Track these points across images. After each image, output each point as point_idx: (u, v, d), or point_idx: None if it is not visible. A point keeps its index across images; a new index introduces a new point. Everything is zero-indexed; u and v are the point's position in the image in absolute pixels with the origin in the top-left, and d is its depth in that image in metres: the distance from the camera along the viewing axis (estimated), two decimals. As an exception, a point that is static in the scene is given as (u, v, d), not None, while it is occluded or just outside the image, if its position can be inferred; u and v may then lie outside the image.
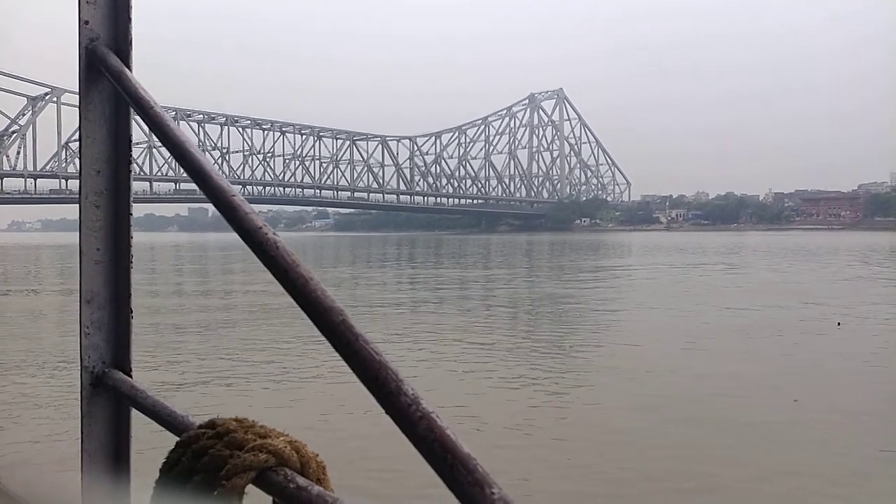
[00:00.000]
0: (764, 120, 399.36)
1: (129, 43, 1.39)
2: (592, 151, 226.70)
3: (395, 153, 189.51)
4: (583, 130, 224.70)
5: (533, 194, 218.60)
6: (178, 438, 1.03)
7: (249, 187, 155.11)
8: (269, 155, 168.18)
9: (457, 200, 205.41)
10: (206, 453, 0.96)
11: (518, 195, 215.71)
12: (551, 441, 9.50)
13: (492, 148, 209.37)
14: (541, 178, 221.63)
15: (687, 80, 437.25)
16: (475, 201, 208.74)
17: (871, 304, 24.65)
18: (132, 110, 1.35)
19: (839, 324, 19.64)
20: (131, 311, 1.42)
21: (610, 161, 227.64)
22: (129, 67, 1.34)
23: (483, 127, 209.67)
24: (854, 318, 21.13)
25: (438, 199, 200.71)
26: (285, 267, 0.94)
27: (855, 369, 13.97)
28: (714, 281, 36.64)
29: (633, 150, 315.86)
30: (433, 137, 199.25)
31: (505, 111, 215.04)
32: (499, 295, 31.89)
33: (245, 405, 11.06)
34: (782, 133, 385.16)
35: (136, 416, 1.37)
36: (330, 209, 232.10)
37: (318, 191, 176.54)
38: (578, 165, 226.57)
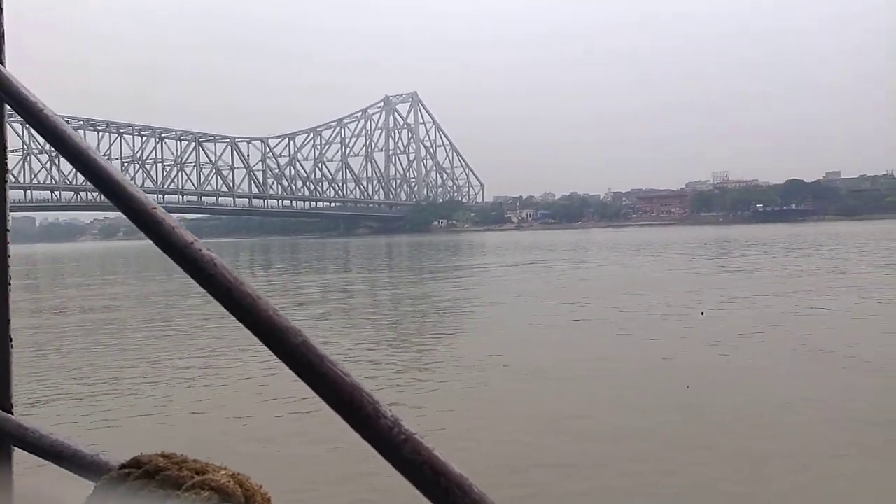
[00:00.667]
0: (602, 121, 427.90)
1: (1, 36, 1.18)
2: (447, 154, 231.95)
3: (247, 155, 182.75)
4: (437, 134, 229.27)
5: (391, 196, 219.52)
6: (93, 483, 0.90)
7: (82, 193, 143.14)
8: (105, 158, 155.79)
9: (313, 203, 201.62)
10: (137, 496, 0.86)
11: (376, 197, 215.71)
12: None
13: (348, 150, 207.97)
14: (398, 181, 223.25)
15: (533, 101, 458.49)
16: (332, 204, 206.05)
17: (709, 291, 26.85)
18: (4, 112, 1.19)
19: (702, 313, 21.01)
20: (10, 339, 1.21)
21: (464, 164, 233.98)
22: (1, 63, 1.17)
23: (338, 129, 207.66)
24: (681, 306, 22.89)
25: (294, 202, 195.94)
26: (227, 286, 0.84)
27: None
28: (564, 276, 38.44)
29: (485, 155, 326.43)
30: (286, 139, 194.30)
31: (360, 113, 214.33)
32: (359, 299, 31.46)
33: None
34: (618, 133, 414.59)
35: (23, 461, 1.16)
36: (175, 215, 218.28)
37: (161, 195, 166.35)
38: (434, 168, 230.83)
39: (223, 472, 0.89)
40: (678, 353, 15.18)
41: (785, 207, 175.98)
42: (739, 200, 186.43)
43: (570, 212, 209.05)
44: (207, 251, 0.89)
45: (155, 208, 0.93)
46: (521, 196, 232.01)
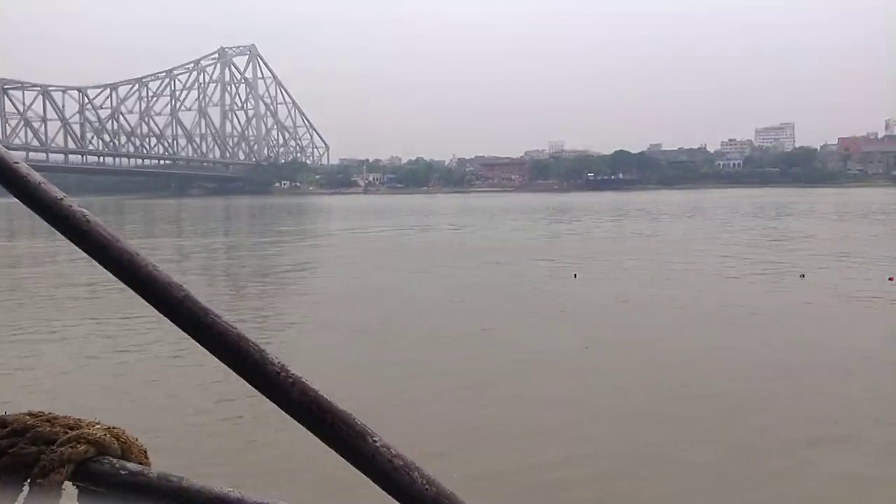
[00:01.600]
0: (452, 88, 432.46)
1: None
2: (290, 113, 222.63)
3: (62, 106, 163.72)
4: (279, 90, 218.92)
5: (228, 155, 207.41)
6: None
7: None
8: None
9: (139, 161, 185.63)
10: (5, 454, 0.83)
11: (211, 156, 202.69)
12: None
13: (179, 104, 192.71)
14: (236, 139, 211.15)
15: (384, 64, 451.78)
16: (162, 162, 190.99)
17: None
18: None
19: (575, 275, 22.43)
20: None
21: (308, 124, 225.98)
22: None
23: (168, 80, 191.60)
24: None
25: (117, 159, 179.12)
26: (103, 243, 0.82)
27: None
28: (411, 241, 37.80)
29: (330, 115, 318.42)
30: (108, 89, 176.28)
31: (192, 64, 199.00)
32: (193, 266, 28.68)
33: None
34: (462, 100, 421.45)
35: None
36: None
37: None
38: (276, 127, 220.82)
39: (98, 426, 0.87)
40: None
41: (613, 177, 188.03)
42: (573, 169, 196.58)
43: (417, 177, 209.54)
44: (78, 207, 0.85)
45: (17, 163, 0.86)
46: (367, 159, 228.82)
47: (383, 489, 0.74)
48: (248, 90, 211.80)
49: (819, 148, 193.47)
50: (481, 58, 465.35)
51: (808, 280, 21.04)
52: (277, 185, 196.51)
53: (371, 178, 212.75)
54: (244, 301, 20.10)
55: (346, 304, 18.46)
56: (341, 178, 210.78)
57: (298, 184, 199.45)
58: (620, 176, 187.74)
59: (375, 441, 0.73)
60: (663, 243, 34.21)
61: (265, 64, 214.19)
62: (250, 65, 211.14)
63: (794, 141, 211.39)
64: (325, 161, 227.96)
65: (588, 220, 56.90)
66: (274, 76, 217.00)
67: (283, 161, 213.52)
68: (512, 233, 43.33)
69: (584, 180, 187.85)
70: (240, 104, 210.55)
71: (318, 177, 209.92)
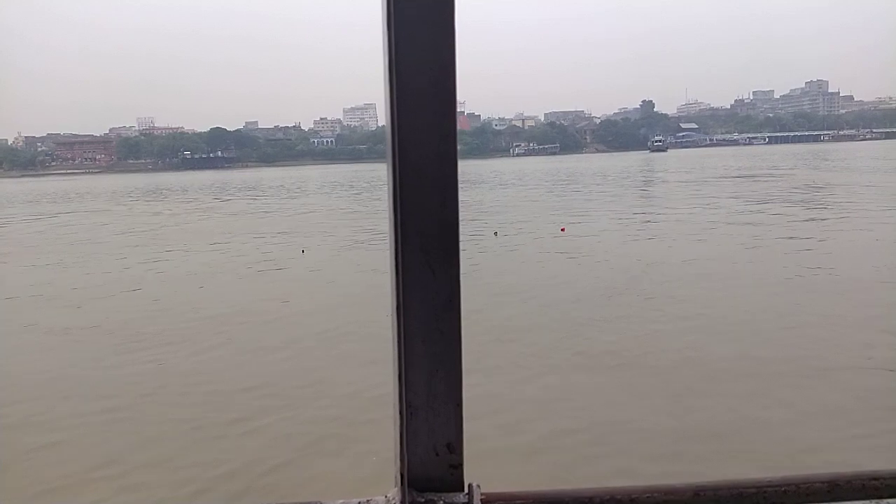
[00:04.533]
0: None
1: None
2: None
3: None
4: None
5: None
6: None
7: None
8: None
9: None
10: None
11: None
12: None
13: None
14: None
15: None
16: None
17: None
18: None
19: (303, 251, 22.54)
20: None
21: None
22: None
23: None
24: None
25: None
26: None
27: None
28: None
29: None
30: None
31: None
32: None
33: None
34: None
35: None
36: None
37: None
38: None
39: None
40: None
41: (212, 154, 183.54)
42: (167, 147, 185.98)
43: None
44: None
45: None
46: None
47: None
48: None
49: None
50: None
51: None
52: None
53: None
54: None
55: None
56: None
57: None
58: (220, 154, 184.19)
59: None
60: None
61: None
62: None
63: (377, 120, 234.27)
64: None
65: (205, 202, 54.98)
66: None
67: None
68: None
69: (181, 159, 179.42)
70: None
71: None
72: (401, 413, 0.79)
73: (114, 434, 8.10)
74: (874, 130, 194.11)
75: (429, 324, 0.77)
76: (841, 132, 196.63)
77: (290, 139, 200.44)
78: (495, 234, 25.40)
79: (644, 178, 61.84)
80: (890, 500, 0.79)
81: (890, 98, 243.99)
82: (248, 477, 6.95)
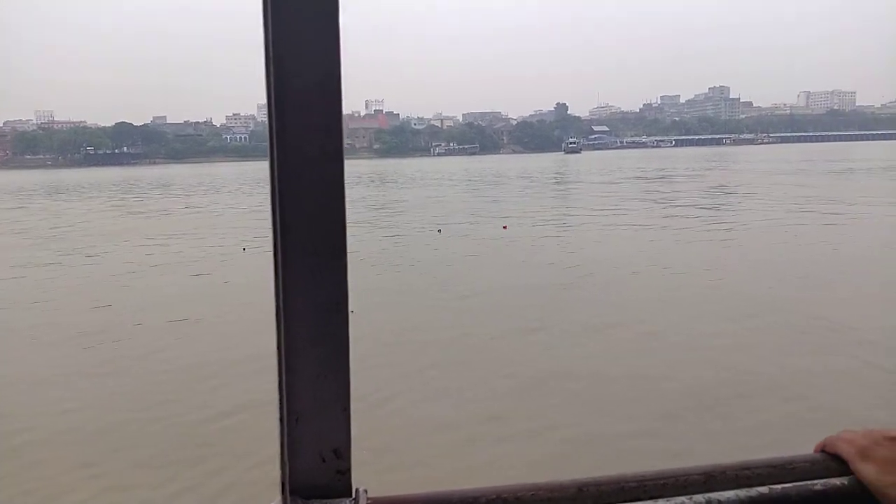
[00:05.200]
0: None
1: None
2: None
3: None
4: None
5: None
6: None
7: None
8: None
9: None
10: None
11: None
12: None
13: None
14: None
15: None
16: None
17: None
18: None
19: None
20: None
21: None
22: None
23: None
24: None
25: None
26: None
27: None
28: None
29: None
30: None
31: None
32: None
33: None
34: None
35: None
36: None
37: None
38: None
39: None
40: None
41: (116, 150, 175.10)
42: (69, 142, 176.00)
43: None
44: None
45: None
46: None
47: None
48: None
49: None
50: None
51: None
52: None
53: None
54: None
55: None
56: None
57: None
58: (125, 150, 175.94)
59: None
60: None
61: None
62: None
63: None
64: None
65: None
66: None
67: None
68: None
69: (83, 155, 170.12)
70: None
71: None
72: (284, 420, 0.78)
73: None
74: (771, 135, 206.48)
75: (315, 328, 0.75)
76: (741, 136, 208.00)
77: (200, 135, 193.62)
78: (439, 231, 25.62)
79: (575, 179, 62.96)
80: (759, 488, 0.86)
81: (784, 104, 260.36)
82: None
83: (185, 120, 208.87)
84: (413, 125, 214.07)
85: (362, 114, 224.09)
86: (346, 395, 0.80)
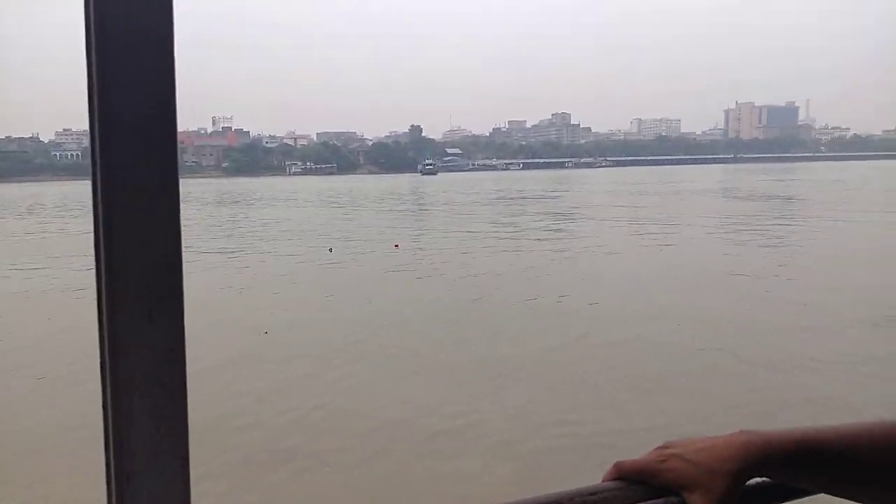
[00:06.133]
0: None
1: None
2: None
3: None
4: None
5: None
6: None
7: None
8: None
9: None
10: None
11: None
12: None
13: None
14: None
15: None
16: None
17: None
18: None
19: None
20: None
21: None
22: None
23: None
24: None
25: None
26: None
27: None
28: None
29: None
30: None
31: None
32: None
33: None
34: None
35: None
36: None
37: None
38: None
39: None
40: None
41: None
42: None
43: None
44: None
45: None
46: None
47: None
48: None
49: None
50: None
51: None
52: None
53: None
54: None
55: None
56: None
57: None
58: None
59: None
60: None
61: None
62: None
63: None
64: None
65: None
66: None
67: None
68: None
69: None
70: None
71: None
72: (113, 480, 0.70)
73: None
74: (608, 158, 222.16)
75: (148, 377, 0.68)
76: (582, 160, 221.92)
77: (26, 152, 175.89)
78: (330, 250, 25.60)
79: (444, 200, 63.71)
80: None
81: (619, 130, 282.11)
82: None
83: (7, 136, 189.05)
84: (265, 143, 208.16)
85: (209, 131, 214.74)
86: (185, 447, 0.73)
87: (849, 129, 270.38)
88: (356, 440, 8.22)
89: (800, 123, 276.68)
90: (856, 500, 0.84)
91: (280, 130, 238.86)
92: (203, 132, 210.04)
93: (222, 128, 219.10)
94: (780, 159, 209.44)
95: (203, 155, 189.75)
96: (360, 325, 13.60)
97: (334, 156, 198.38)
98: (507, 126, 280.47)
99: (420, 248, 26.23)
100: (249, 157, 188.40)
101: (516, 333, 12.93)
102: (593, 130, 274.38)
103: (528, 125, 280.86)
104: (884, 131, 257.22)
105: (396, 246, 26.57)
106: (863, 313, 14.07)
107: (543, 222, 36.12)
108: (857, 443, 0.82)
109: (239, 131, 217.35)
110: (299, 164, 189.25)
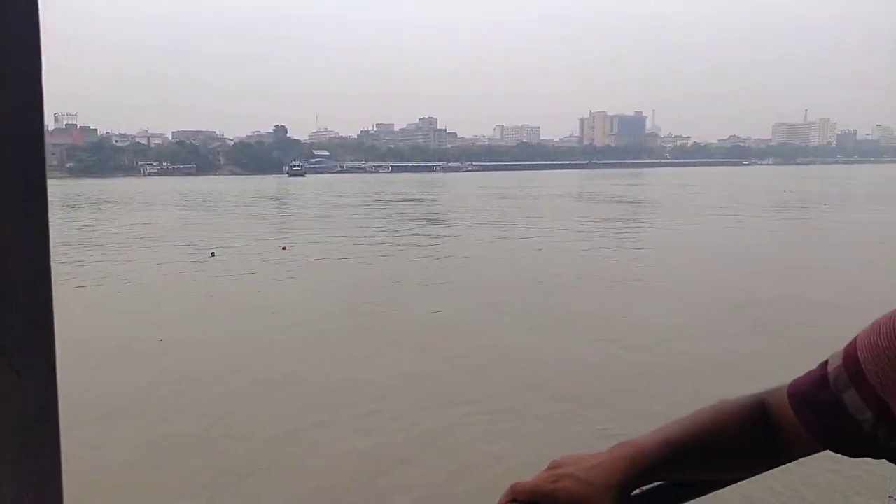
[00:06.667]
0: None
1: None
2: None
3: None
4: None
5: None
6: None
7: None
8: None
9: None
10: None
11: None
12: None
13: None
14: None
15: None
16: None
17: None
18: None
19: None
20: None
21: None
22: None
23: None
24: None
25: None
26: None
27: None
28: None
29: None
30: None
31: None
32: None
33: None
34: None
35: None
36: None
37: None
38: None
39: None
40: None
41: None
42: None
43: None
44: None
45: None
46: None
47: None
48: None
49: None
50: None
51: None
52: None
53: None
54: None
55: None
56: None
57: None
58: None
59: None
60: None
61: None
62: None
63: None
64: None
65: None
66: None
67: None
68: None
69: None
70: None
71: None
72: None
73: None
74: (474, 163, 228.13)
75: (15, 439, 0.58)
76: (449, 164, 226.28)
77: None
78: (212, 254, 24.82)
79: (322, 202, 62.48)
80: None
81: (483, 136, 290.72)
82: None
83: None
84: (115, 142, 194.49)
85: (51, 128, 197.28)
86: None
87: (689, 137, 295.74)
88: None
89: (647, 132, 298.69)
90: (733, 478, 0.90)
91: (131, 129, 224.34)
92: (45, 129, 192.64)
93: (66, 125, 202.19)
94: (630, 165, 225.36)
95: (48, 154, 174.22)
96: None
97: (192, 156, 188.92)
98: (374, 129, 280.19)
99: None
100: (97, 156, 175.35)
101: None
102: (459, 135, 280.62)
103: (396, 128, 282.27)
104: (719, 140, 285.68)
105: (283, 248, 26.24)
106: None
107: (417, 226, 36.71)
108: (712, 427, 0.87)
109: (85, 129, 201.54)
110: (155, 164, 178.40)
